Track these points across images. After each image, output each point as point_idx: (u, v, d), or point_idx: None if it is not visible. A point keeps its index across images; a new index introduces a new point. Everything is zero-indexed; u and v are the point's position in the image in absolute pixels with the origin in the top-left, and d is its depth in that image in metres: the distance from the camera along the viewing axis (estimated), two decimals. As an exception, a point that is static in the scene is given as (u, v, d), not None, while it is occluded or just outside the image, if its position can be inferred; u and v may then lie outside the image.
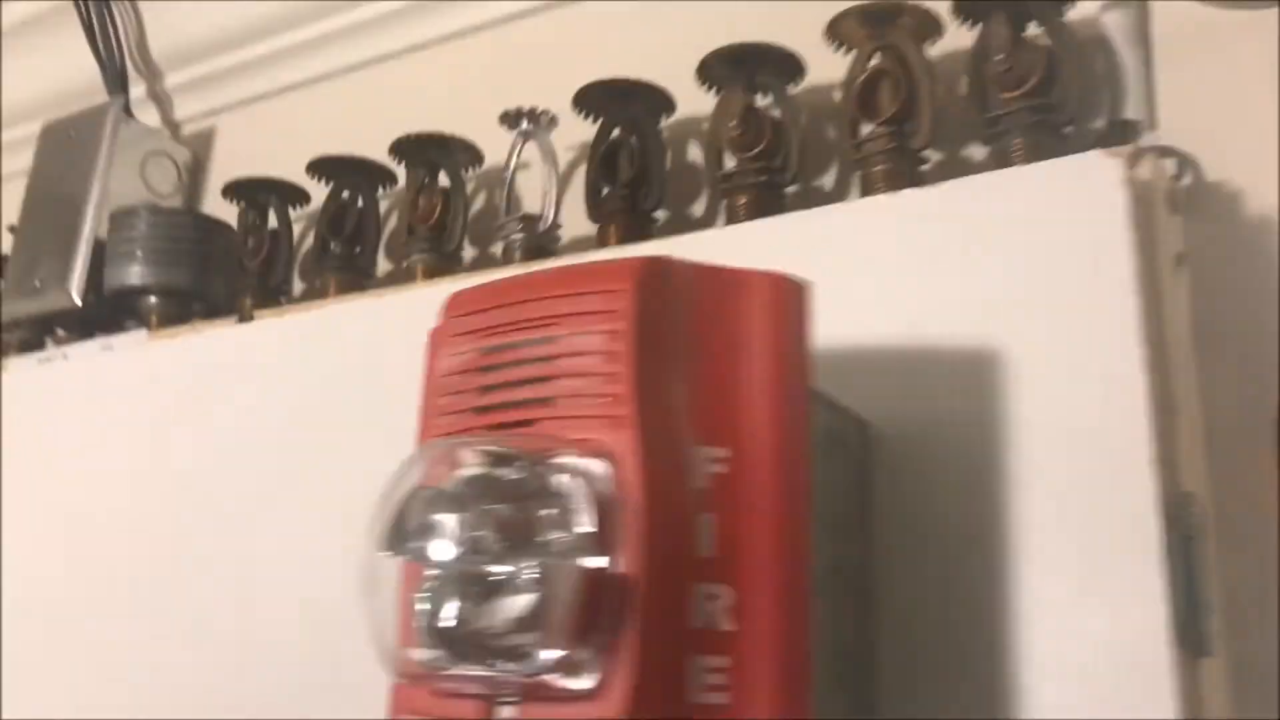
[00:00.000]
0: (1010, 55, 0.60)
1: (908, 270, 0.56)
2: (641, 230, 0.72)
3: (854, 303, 0.55)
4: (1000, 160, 0.61)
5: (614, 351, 0.44)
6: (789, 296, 0.46)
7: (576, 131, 0.77)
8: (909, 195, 0.58)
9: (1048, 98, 0.60)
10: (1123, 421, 0.49)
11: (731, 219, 0.68)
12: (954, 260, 0.55)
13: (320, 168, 0.84)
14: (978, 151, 0.66)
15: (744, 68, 0.69)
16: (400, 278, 0.85)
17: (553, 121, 0.77)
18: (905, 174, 0.63)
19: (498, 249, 0.77)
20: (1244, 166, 0.59)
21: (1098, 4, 0.64)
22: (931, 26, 0.64)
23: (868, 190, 0.64)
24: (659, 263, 0.45)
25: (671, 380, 0.44)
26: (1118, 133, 0.62)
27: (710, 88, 0.71)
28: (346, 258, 0.84)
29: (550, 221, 0.75)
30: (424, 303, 0.50)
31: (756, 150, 0.68)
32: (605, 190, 0.73)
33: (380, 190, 0.86)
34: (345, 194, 0.85)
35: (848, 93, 0.66)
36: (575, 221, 0.76)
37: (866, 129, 0.65)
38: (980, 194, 0.56)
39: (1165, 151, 0.59)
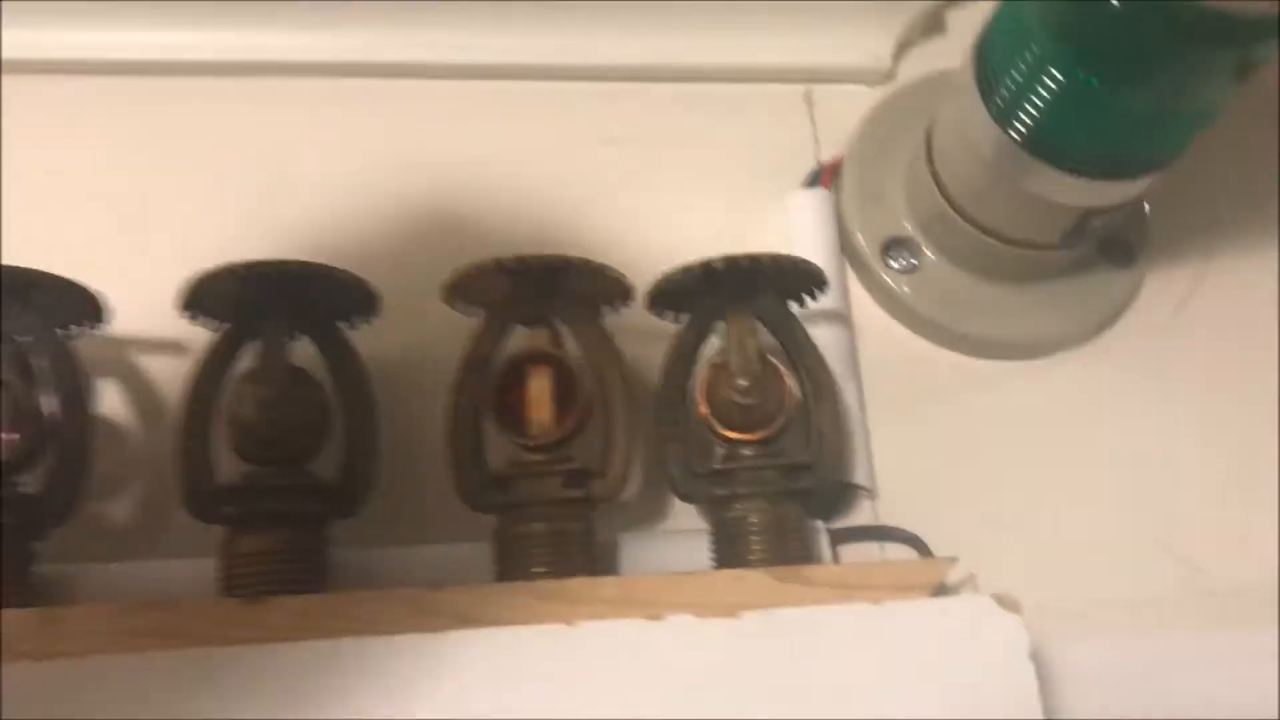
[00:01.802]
0: (754, 384, 0.39)
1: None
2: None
3: None
4: (728, 532, 0.39)
5: None
6: None
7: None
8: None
9: (785, 444, 0.40)
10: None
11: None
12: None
13: None
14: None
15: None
16: None
17: None
18: (577, 553, 0.38)
19: None
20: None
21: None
22: (619, 291, 0.41)
23: (518, 564, 0.37)
24: None
25: None
26: (844, 496, 0.44)
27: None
28: None
29: None
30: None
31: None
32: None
33: None
34: None
35: (462, 384, 0.39)
36: None
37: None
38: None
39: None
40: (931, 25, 0.54)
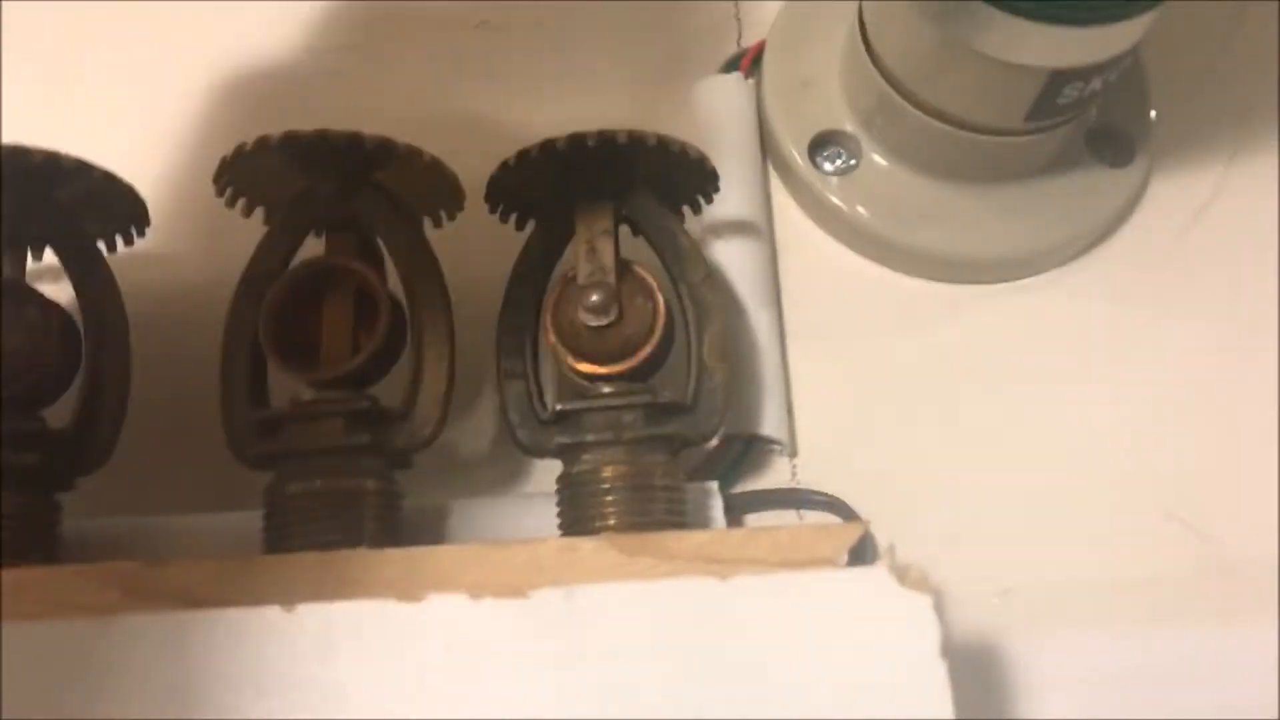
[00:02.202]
0: (608, 300, 0.30)
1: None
2: None
3: None
4: (576, 491, 0.30)
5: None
6: None
7: None
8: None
9: (656, 380, 0.31)
10: None
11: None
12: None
13: None
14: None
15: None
16: None
17: None
18: (369, 520, 0.29)
19: None
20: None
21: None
22: (443, 188, 0.32)
23: (288, 533, 0.29)
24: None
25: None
26: (751, 453, 0.35)
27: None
28: None
29: None
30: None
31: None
32: None
33: None
34: None
35: (240, 306, 0.31)
36: None
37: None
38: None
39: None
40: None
